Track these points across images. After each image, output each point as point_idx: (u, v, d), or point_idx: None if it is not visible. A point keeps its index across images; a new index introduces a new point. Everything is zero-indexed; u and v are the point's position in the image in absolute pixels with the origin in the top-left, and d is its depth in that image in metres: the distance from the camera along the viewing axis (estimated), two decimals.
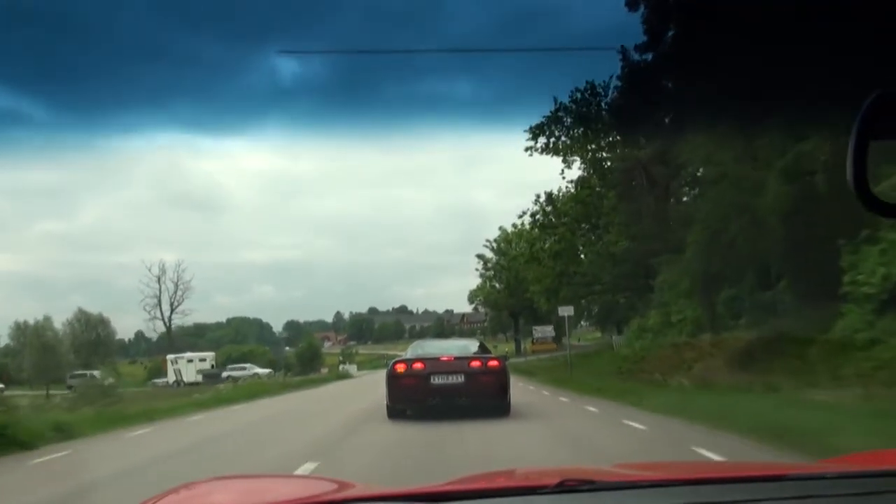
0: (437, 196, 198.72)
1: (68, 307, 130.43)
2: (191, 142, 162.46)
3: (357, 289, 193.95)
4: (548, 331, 48.56)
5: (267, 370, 57.35)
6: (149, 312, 64.27)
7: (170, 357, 60.80)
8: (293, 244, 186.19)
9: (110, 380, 55.47)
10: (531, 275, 42.43)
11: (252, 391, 24.50)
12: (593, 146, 35.22)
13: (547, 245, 38.67)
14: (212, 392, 24.40)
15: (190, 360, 58.83)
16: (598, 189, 36.24)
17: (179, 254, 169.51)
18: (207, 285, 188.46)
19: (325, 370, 61.99)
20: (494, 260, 63.89)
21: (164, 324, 64.42)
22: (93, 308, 63.95)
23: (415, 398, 11.70)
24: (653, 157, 28.72)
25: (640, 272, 36.65)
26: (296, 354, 68.60)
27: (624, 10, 21.97)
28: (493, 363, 11.90)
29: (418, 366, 11.68)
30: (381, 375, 14.42)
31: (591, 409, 14.52)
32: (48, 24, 42.51)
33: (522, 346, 63.91)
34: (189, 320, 65.89)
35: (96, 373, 55.30)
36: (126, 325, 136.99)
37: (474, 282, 67.56)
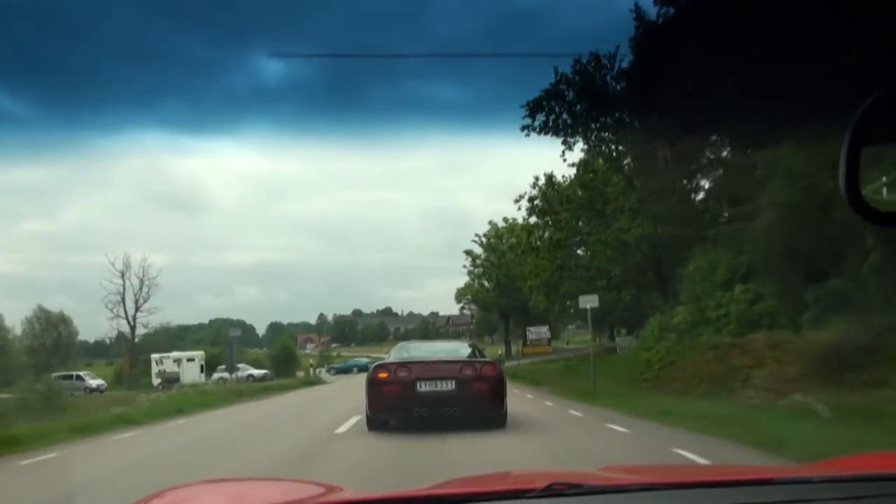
0: (423, 199, 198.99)
1: (55, 307, 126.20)
2: (176, 142, 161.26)
3: (342, 291, 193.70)
4: (542, 332, 43.79)
5: (263, 371, 53.24)
6: (111, 310, 58.93)
7: (154, 357, 55.35)
8: (278, 246, 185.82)
9: (98, 381, 50.88)
10: (527, 268, 38.08)
11: (186, 403, 19.50)
12: (598, 123, 30.66)
13: (546, 234, 33.95)
14: (146, 402, 19.47)
15: (177, 360, 53.74)
16: (603, 171, 31.70)
17: (163, 254, 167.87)
18: (191, 287, 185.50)
19: (300, 373, 57.05)
20: (484, 256, 59.12)
21: (128, 322, 59.07)
22: (77, 309, 58.60)
23: (398, 408, 10.44)
24: (676, 128, 24.33)
25: (650, 265, 32.19)
26: (269, 357, 63.43)
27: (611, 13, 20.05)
28: (489, 368, 10.49)
29: (403, 371, 10.35)
30: (357, 382, 12.94)
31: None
32: (34, 21, 40.74)
33: (513, 349, 59.30)
34: (156, 319, 60.50)
35: (84, 374, 50.71)
36: (110, 326, 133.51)
37: (461, 283, 62.79)
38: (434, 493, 1.55)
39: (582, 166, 32.18)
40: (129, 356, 58.93)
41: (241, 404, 21.23)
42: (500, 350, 49.97)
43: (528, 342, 43.57)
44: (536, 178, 32.99)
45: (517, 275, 56.59)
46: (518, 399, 16.04)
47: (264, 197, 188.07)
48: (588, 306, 18.52)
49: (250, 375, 49.64)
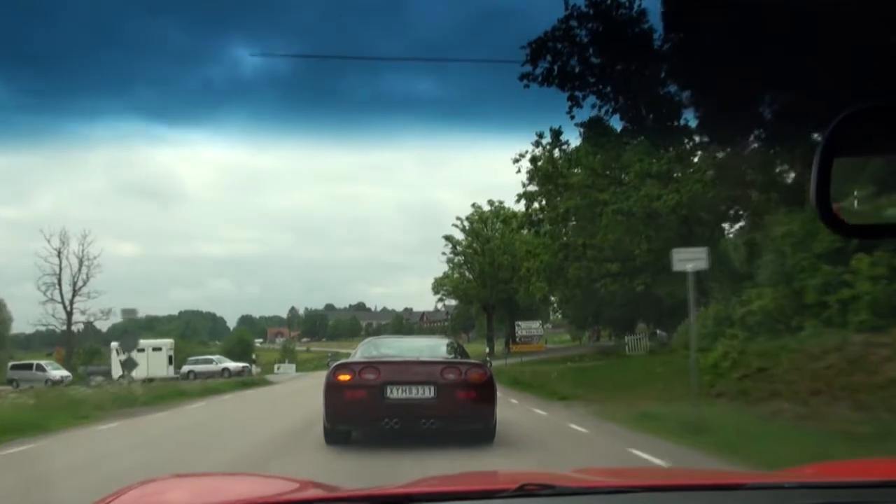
0: (399, 195, 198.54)
1: (24, 295, 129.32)
2: (150, 131, 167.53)
3: (315, 285, 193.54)
4: (534, 327, 37.06)
5: (241, 364, 45.86)
6: (45, 293, 51.03)
7: (115, 345, 47.20)
8: (251, 239, 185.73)
9: (63, 373, 42.65)
10: (523, 249, 31.67)
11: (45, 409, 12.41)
12: (617, 72, 24.00)
13: (550, 204, 26.91)
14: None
15: (141, 350, 45.63)
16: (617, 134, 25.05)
17: (134, 244, 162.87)
18: (162, 278, 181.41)
19: (258, 369, 49.83)
20: (466, 243, 52.14)
21: (64, 307, 51.24)
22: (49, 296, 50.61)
23: (363, 418, 8.45)
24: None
25: (681, 242, 25.64)
26: (223, 350, 55.98)
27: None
28: (477, 372, 8.43)
29: (370, 373, 8.31)
30: (316, 381, 11.89)
31: None
32: (8, 6, 37.22)
33: (497, 347, 52.60)
34: (95, 305, 52.55)
35: (46, 363, 42.93)
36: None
37: (438, 277, 55.43)
38: (406, 492, 1.52)
39: (593, 126, 25.54)
40: (62, 346, 51.07)
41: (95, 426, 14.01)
42: (485, 349, 43.05)
43: (518, 339, 36.82)
44: (540, 135, 26.01)
45: (503, 263, 49.94)
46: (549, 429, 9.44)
47: (238, 189, 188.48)
48: (689, 268, 11.39)
49: (225, 369, 42.80)
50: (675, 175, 23.28)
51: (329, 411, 8.57)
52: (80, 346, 54.07)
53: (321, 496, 1.57)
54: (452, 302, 65.30)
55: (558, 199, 25.49)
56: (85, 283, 50.88)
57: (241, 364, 45.95)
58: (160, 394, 18.37)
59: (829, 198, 1.21)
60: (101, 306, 54.11)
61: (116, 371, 45.65)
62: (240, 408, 17.20)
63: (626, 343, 33.63)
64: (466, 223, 51.43)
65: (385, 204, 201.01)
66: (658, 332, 35.49)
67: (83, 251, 51.11)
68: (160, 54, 44.97)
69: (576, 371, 21.94)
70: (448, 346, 10.19)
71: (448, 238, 52.16)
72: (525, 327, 37.19)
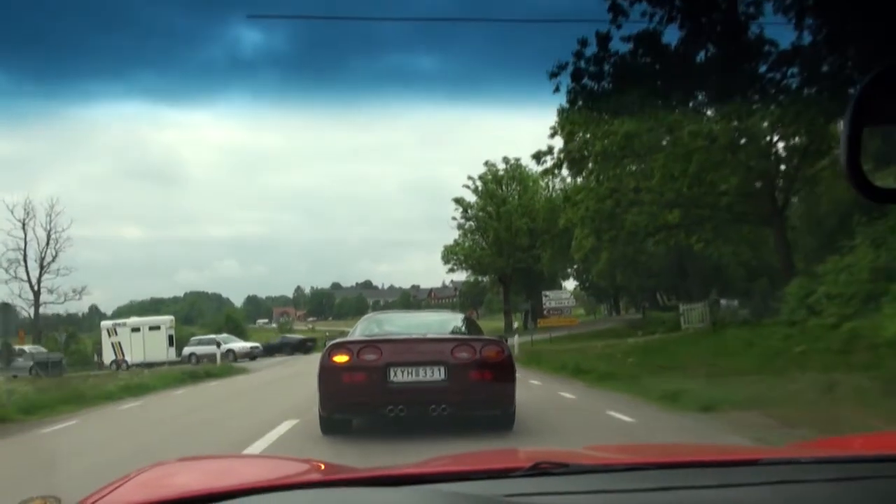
0: (403, 172, 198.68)
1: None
2: (153, 113, 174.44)
3: (321, 265, 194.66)
4: (564, 297, 30.99)
5: (250, 345, 39.45)
6: (7, 271, 44.90)
7: (105, 325, 41.12)
8: (257, 219, 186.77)
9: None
10: (545, 208, 25.69)
11: None
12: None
13: (615, 130, 20.02)
14: None
15: (136, 329, 38.74)
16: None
17: (140, 227, 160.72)
18: (168, 260, 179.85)
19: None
20: (479, 205, 45.69)
21: (30, 286, 45.23)
22: (56, 280, 44.72)
23: (363, 405, 7.27)
24: None
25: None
26: (212, 331, 49.96)
27: None
28: (493, 350, 7.29)
29: (370, 353, 7.15)
30: (307, 367, 11.04)
31: None
32: None
33: (515, 323, 46.55)
34: (66, 282, 46.54)
35: (29, 348, 36.38)
36: (87, 300, 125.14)
37: (445, 256, 48.65)
38: (419, 472, 1.53)
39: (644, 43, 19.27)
40: (25, 329, 45.05)
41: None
42: (500, 325, 37.02)
43: (546, 311, 30.70)
44: (583, 42, 19.51)
45: (521, 228, 43.72)
46: None
47: (243, 169, 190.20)
48: None
49: (230, 351, 36.09)
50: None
51: (324, 398, 7.41)
52: (54, 329, 48.22)
53: (331, 478, 1.59)
54: (461, 277, 59.38)
55: (609, 127, 19.08)
56: (54, 259, 44.72)
57: (248, 344, 39.86)
58: (51, 398, 12.16)
59: (861, 164, 1.15)
60: (74, 284, 47.74)
61: (108, 355, 38.68)
62: (154, 421, 11.21)
63: (682, 314, 27.38)
64: (479, 183, 45.00)
65: (389, 181, 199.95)
66: (722, 300, 29.20)
67: (51, 223, 44.92)
68: (160, 35, 42.27)
69: (647, 351, 15.88)
70: (457, 319, 9.04)
71: (458, 201, 45.78)
72: (554, 297, 31.08)
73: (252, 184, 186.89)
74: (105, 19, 43.16)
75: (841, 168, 1.16)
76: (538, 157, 21.38)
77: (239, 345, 38.78)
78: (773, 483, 1.39)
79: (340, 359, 7.24)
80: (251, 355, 36.98)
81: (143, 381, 16.82)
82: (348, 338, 7.92)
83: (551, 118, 21.34)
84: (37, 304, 45.64)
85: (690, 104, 18.66)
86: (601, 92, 19.60)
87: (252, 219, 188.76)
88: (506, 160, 44.25)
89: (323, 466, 1.82)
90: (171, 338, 38.60)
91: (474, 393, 7.17)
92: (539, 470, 1.41)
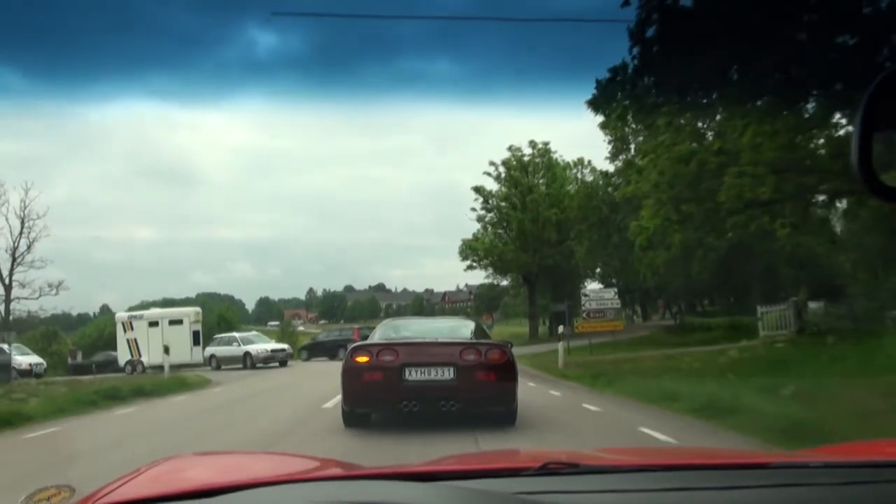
0: (417, 177, 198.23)
1: (48, 281, 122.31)
2: (167, 114, 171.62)
3: (334, 268, 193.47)
4: (608, 297, 25.59)
5: (272, 346, 30.01)
6: None
7: (121, 317, 34.17)
8: (270, 221, 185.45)
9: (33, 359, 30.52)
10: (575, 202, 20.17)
11: None
12: None
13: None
14: None
15: (154, 324, 31.82)
16: None
17: (153, 228, 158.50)
18: (182, 261, 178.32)
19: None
20: (502, 193, 40.19)
21: (0, 281, 40.14)
22: (70, 281, 39.68)
23: (381, 400, 8.17)
24: None
25: None
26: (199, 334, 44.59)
27: None
28: (496, 353, 8.17)
29: (388, 354, 8.08)
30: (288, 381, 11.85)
31: None
32: None
33: (539, 329, 41.03)
34: (42, 277, 41.37)
35: (4, 346, 30.93)
36: (99, 300, 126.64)
37: (456, 262, 42.97)
38: (429, 470, 1.53)
39: None
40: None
41: None
42: (523, 330, 31.68)
43: (585, 314, 25.34)
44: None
45: (549, 219, 38.35)
46: None
47: (256, 172, 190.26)
48: None
49: (247, 354, 28.78)
50: None
51: (347, 394, 8.40)
52: (30, 329, 43.25)
53: (342, 474, 1.59)
54: (480, 276, 54.17)
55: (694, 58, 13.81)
56: (28, 249, 39.58)
57: (270, 346, 30.10)
58: None
59: (872, 163, 1.13)
60: (50, 278, 42.38)
61: (124, 354, 32.20)
62: None
63: (760, 318, 21.94)
64: (502, 169, 39.56)
65: (401, 185, 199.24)
66: (810, 303, 23.65)
67: (25, 208, 39.72)
68: (176, 37, 43.68)
69: (765, 367, 10.61)
70: (468, 327, 9.65)
71: (478, 189, 40.30)
72: (595, 297, 25.68)
73: (265, 186, 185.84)
74: (120, 20, 42.16)
75: (853, 169, 1.12)
76: (596, 104, 16.05)
77: (258, 346, 29.49)
78: (780, 486, 1.38)
79: (362, 359, 8.15)
80: (276, 359, 28.74)
81: (20, 406, 11.45)
82: (368, 341, 8.79)
83: (568, 122, 17.18)
84: (7, 298, 40.48)
85: None
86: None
87: (265, 221, 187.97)
88: (532, 144, 38.94)
89: (335, 464, 1.82)
90: (196, 334, 31.19)
91: (480, 391, 7.92)
92: (548, 470, 1.42)
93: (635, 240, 19.89)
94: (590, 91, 16.18)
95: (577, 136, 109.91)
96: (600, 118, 19.63)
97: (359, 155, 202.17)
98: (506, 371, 8.05)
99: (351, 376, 8.13)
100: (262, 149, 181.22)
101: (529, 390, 11.51)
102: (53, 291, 39.72)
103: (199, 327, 31.82)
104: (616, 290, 25.45)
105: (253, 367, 27.55)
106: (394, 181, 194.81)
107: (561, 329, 20.70)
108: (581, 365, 17.59)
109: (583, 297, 26.00)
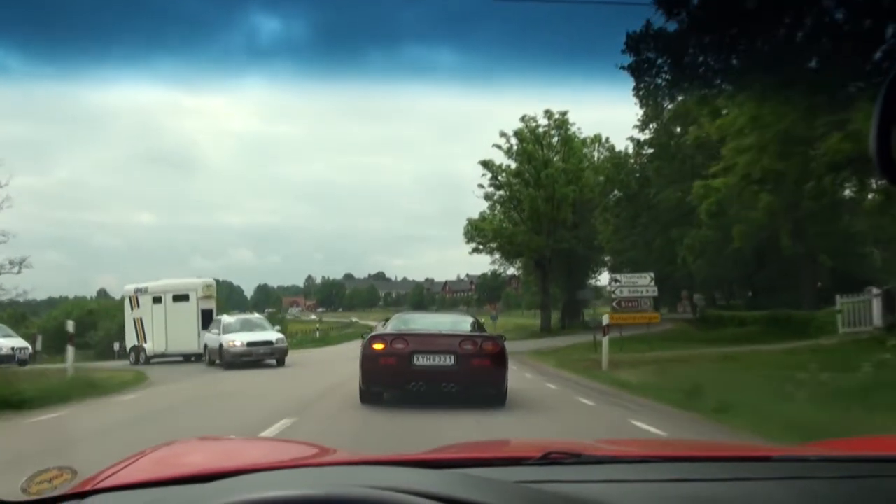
0: (419, 166, 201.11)
1: (47, 264, 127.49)
2: (170, 99, 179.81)
3: (334, 256, 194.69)
4: (642, 284, 21.54)
5: (267, 337, 20.95)
6: None
7: (128, 290, 26.77)
8: (271, 209, 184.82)
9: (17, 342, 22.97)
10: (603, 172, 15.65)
11: None
12: None
13: None
14: None
15: (157, 299, 25.07)
16: None
17: (153, 213, 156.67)
18: (182, 247, 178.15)
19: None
20: (512, 169, 35.92)
21: None
22: (68, 265, 36.49)
23: (394, 381, 9.73)
24: None
25: None
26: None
27: None
28: (490, 344, 9.68)
29: (400, 343, 9.61)
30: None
31: None
32: None
33: (553, 318, 36.87)
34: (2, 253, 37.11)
35: None
36: (100, 285, 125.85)
37: (457, 252, 38.82)
38: (430, 458, 1.54)
39: None
40: None
41: None
42: (528, 322, 27.64)
43: (616, 304, 21.26)
44: None
45: (566, 197, 34.22)
46: None
47: (258, 158, 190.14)
48: None
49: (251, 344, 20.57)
50: None
51: (365, 375, 9.80)
52: None
53: (344, 460, 1.59)
54: (486, 260, 50.09)
55: None
56: None
57: (268, 336, 21.33)
58: None
59: (892, 151, 1.11)
60: (11, 255, 37.79)
61: (130, 338, 25.58)
62: None
63: (840, 311, 17.80)
64: (514, 141, 35.23)
65: (403, 175, 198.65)
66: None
67: None
68: (179, 22, 43.37)
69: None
70: (467, 322, 10.99)
71: (486, 164, 36.00)
72: (627, 283, 21.61)
73: (267, 173, 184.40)
74: (124, 5, 41.26)
75: (872, 157, 1.14)
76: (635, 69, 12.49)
77: (255, 336, 20.96)
78: (783, 478, 1.38)
79: (378, 346, 9.67)
80: (268, 350, 20.77)
81: None
82: (383, 330, 10.51)
83: (575, 110, 14.34)
84: None
85: None
86: None
87: (266, 208, 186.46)
88: (548, 114, 34.62)
89: (337, 451, 1.81)
90: (207, 314, 23.81)
91: (475, 376, 9.42)
92: (550, 460, 1.43)
93: (699, 204, 15.70)
94: (596, 78, 16.09)
95: (583, 125, 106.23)
96: (607, 105, 16.67)
97: (361, 143, 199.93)
98: (497, 359, 9.53)
99: (369, 360, 9.64)
100: (263, 135, 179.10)
101: (587, 411, 9.09)
102: (16, 269, 35.42)
103: (212, 304, 24.69)
104: (653, 274, 21.32)
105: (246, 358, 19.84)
106: (396, 169, 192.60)
107: (592, 315, 16.49)
108: (633, 366, 13.47)
109: (611, 283, 21.94)
